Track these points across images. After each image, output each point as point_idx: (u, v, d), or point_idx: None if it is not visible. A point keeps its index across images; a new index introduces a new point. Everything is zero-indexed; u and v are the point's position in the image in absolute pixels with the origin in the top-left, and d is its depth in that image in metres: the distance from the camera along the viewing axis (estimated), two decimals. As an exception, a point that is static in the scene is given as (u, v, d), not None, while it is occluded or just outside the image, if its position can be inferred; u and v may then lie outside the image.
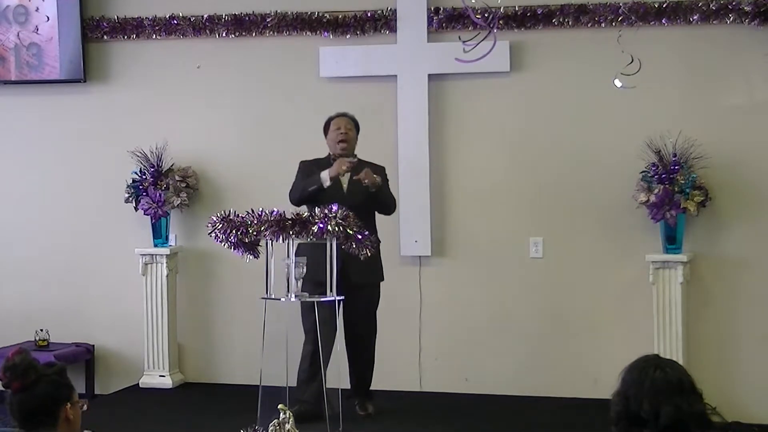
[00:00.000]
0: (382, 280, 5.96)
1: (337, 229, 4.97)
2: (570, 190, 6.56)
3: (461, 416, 6.10)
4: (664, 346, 6.10)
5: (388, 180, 6.06)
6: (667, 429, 2.54)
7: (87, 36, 7.15)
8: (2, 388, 3.08)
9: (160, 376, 6.99)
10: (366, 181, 5.76)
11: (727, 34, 6.29)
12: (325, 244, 5.17)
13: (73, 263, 7.27)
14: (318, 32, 6.84)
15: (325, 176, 5.79)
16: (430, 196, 6.62)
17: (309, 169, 5.94)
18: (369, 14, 6.76)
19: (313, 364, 5.56)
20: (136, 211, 6.96)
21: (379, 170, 5.98)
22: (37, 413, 3.00)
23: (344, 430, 5.18)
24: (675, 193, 6.09)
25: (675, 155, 6.13)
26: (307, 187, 5.79)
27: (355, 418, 5.56)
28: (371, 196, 5.82)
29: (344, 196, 5.73)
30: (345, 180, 5.86)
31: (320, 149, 6.92)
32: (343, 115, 6.05)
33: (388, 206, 6.00)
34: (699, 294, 6.30)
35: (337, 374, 5.32)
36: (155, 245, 6.99)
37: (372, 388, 6.03)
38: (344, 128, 5.96)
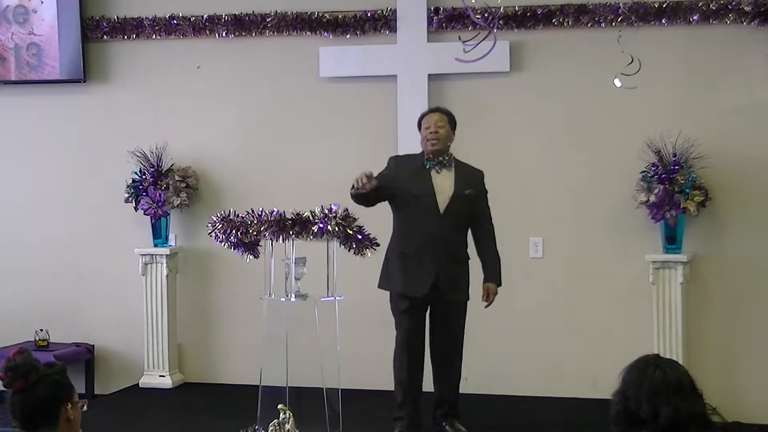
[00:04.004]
0: (468, 299, 5.63)
1: (337, 229, 4.96)
2: (570, 190, 6.56)
3: (461, 416, 6.10)
4: (664, 346, 6.10)
5: (486, 192, 5.68)
6: (666, 429, 2.54)
7: (87, 36, 7.15)
8: (3, 388, 3.07)
9: (160, 376, 6.99)
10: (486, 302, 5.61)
11: (727, 34, 6.29)
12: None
13: (73, 263, 7.27)
14: (318, 32, 6.85)
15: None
16: (430, 196, 6.62)
17: (395, 165, 5.62)
18: (369, 14, 6.76)
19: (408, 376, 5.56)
20: (136, 211, 6.96)
21: (477, 175, 5.65)
22: (38, 413, 3.00)
23: (344, 430, 5.17)
24: (675, 193, 6.09)
25: (675, 155, 6.14)
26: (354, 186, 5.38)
27: (355, 418, 5.55)
28: (469, 217, 5.57)
29: (439, 217, 5.47)
30: (444, 197, 5.49)
31: (321, 149, 6.93)
32: (435, 110, 5.72)
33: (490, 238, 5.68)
34: (699, 294, 6.30)
35: (337, 374, 5.31)
36: (155, 245, 6.99)
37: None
38: (434, 126, 5.55)
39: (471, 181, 5.58)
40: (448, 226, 5.47)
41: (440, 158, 5.54)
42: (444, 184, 5.51)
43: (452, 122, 5.64)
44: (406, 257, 5.47)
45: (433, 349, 5.63)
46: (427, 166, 5.52)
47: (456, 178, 5.54)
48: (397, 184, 5.50)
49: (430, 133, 5.54)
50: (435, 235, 5.44)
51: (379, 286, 5.64)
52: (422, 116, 5.66)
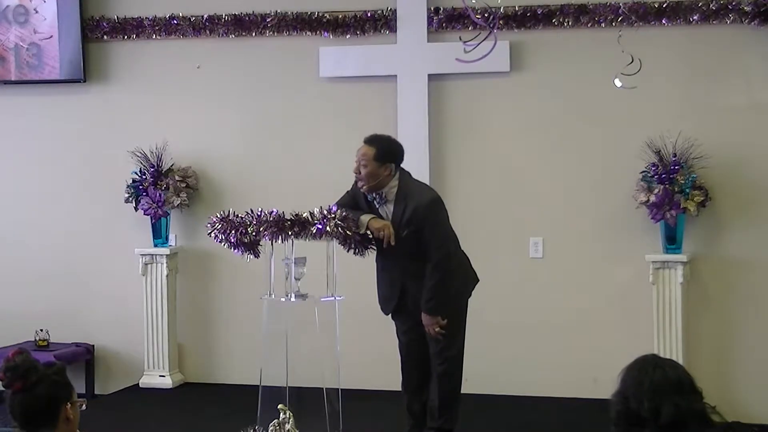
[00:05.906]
0: (443, 313, 5.18)
1: (335, 230, 4.96)
2: (570, 190, 6.56)
3: (461, 416, 6.10)
4: (664, 346, 6.10)
5: (431, 218, 5.08)
6: (667, 427, 2.54)
7: (87, 36, 7.15)
8: (2, 389, 3.07)
9: (160, 376, 6.99)
10: None
11: (727, 34, 6.29)
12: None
13: (73, 263, 7.27)
14: (318, 32, 6.85)
15: (364, 222, 5.10)
16: (430, 196, 6.61)
17: (353, 189, 5.29)
18: (369, 14, 6.76)
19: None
20: (136, 211, 6.96)
21: (416, 209, 5.05)
22: (37, 413, 3.00)
23: (344, 430, 5.17)
24: (675, 193, 6.10)
25: (675, 155, 6.14)
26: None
27: (355, 418, 5.56)
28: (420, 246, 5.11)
29: (394, 245, 5.10)
30: (392, 229, 5.09)
31: (321, 149, 6.93)
32: (365, 142, 5.20)
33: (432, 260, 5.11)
34: (699, 294, 6.30)
35: (337, 374, 5.32)
36: (155, 245, 7.00)
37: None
38: (357, 164, 5.14)
39: (406, 218, 5.08)
40: (403, 254, 5.14)
41: (373, 195, 5.15)
42: (388, 219, 5.15)
43: (381, 155, 5.09)
44: (379, 272, 5.36)
45: None
46: (369, 199, 5.21)
47: (393, 217, 5.13)
48: (359, 207, 5.23)
49: (355, 172, 5.17)
50: (395, 261, 5.20)
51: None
52: None
